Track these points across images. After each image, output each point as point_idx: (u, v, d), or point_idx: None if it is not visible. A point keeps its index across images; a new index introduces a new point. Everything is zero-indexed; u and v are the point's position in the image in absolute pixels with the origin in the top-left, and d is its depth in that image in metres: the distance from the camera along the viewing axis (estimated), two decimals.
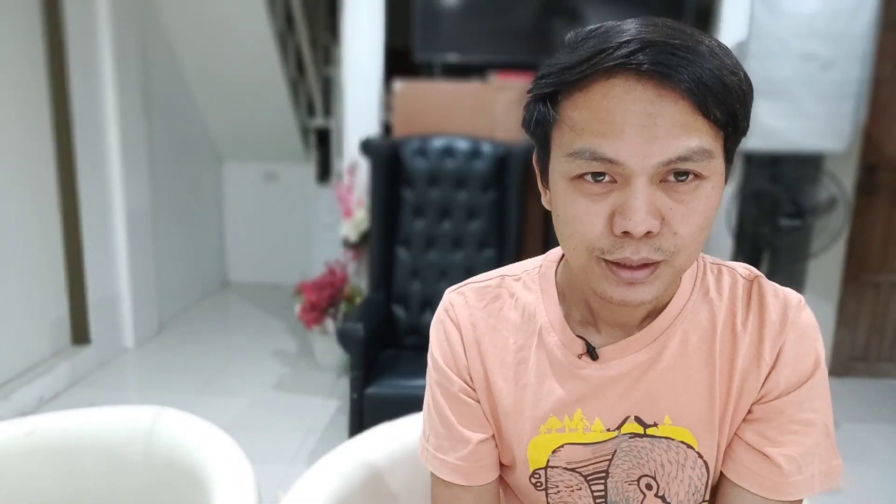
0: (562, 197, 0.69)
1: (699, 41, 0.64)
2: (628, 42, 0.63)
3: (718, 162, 0.67)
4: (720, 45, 0.66)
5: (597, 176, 0.66)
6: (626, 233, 0.65)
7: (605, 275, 0.69)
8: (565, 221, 0.69)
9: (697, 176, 0.65)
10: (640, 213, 0.64)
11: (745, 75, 0.67)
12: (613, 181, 0.66)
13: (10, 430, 1.22)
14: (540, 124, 0.71)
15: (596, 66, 0.64)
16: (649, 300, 0.69)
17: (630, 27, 0.65)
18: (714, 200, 0.67)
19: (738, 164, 2.88)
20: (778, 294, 0.79)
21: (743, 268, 0.82)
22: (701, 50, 0.63)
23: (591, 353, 0.79)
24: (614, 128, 0.63)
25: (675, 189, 0.65)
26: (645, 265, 0.67)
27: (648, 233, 0.65)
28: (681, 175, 0.65)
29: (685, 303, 0.79)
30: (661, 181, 0.65)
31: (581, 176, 0.67)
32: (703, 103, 0.63)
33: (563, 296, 0.83)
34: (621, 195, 0.65)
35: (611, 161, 0.64)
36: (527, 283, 0.85)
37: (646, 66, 0.62)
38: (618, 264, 0.67)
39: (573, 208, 0.68)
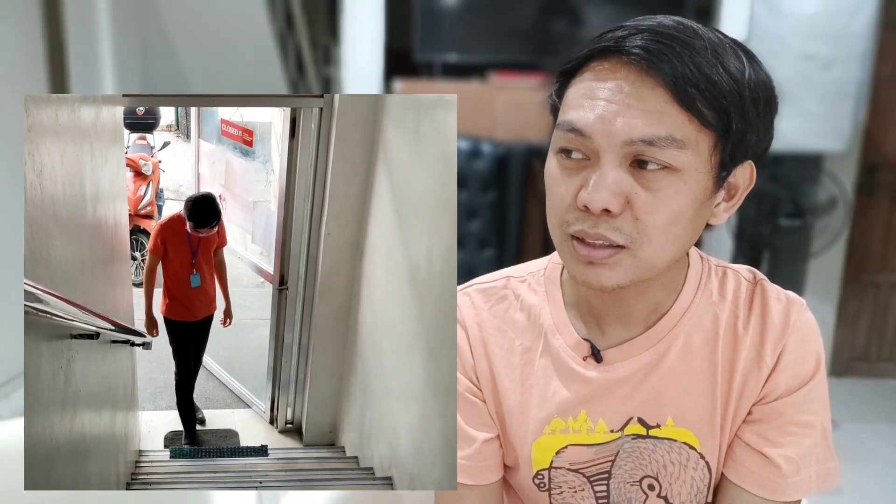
0: (548, 172, 0.71)
1: (699, 38, 0.65)
2: (624, 27, 0.65)
3: (693, 157, 0.66)
4: (732, 47, 0.66)
5: (571, 152, 0.68)
6: (586, 207, 0.66)
7: (571, 253, 0.70)
8: (547, 197, 0.72)
9: (667, 167, 0.65)
10: (600, 190, 0.65)
11: (754, 81, 0.66)
12: (587, 158, 0.67)
13: None
14: (552, 113, 0.73)
15: (591, 48, 0.67)
16: (611, 286, 0.69)
17: (644, 19, 0.66)
18: (686, 197, 0.67)
19: None
20: (780, 297, 0.79)
21: (746, 270, 0.82)
22: (696, 45, 0.64)
23: (596, 355, 0.79)
24: (591, 104, 0.66)
25: (642, 175, 0.66)
26: (603, 246, 0.68)
27: (608, 211, 0.66)
28: (650, 163, 0.65)
29: (689, 305, 0.79)
30: (630, 165, 0.66)
31: (562, 150, 0.69)
32: (683, 95, 0.63)
33: (567, 298, 0.83)
34: (590, 172, 0.67)
35: (581, 133, 0.66)
36: (532, 284, 0.85)
37: (633, 50, 0.64)
38: (579, 240, 0.69)
39: (551, 181, 0.70)
